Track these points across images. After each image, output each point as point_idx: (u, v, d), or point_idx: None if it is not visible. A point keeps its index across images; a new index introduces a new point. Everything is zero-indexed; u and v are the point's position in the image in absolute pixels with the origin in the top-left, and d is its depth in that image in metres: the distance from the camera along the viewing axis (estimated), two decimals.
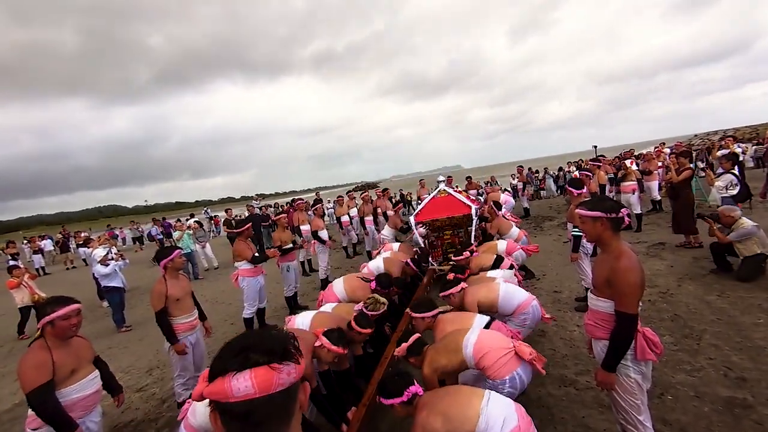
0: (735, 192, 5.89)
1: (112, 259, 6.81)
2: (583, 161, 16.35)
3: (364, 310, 3.17)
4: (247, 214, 13.44)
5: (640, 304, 1.98)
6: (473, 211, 5.90)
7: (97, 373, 2.50)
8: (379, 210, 9.67)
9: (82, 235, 19.32)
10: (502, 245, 5.05)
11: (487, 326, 2.83)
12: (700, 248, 6.06)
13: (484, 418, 1.88)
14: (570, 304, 4.81)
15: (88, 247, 9.43)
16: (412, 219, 6.25)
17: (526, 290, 3.56)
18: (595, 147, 18.09)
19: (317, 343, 2.56)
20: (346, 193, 14.18)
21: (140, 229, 20.92)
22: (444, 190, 6.23)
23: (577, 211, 2.18)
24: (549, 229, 9.75)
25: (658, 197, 9.50)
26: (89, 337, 3.34)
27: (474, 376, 2.67)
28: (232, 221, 13.14)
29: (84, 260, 16.46)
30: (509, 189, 15.53)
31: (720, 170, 6.47)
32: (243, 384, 0.72)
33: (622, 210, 2.02)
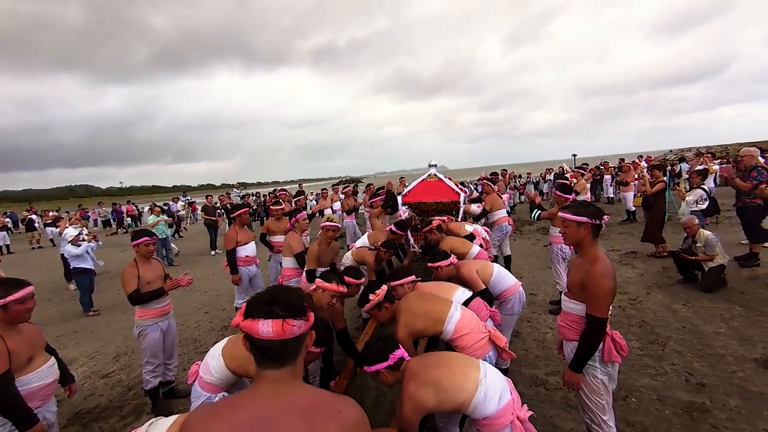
0: (704, 206, 6.14)
1: (84, 239, 6.56)
2: (563, 168, 16.83)
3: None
4: (220, 204, 13.04)
5: (610, 309, 2.05)
6: (461, 199, 5.84)
7: (53, 360, 2.36)
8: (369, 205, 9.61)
9: (51, 214, 18.55)
10: (470, 227, 5.09)
11: (466, 303, 2.82)
12: (669, 258, 6.29)
13: (482, 389, 1.84)
14: (545, 306, 4.92)
15: (57, 227, 9.06)
16: (399, 199, 6.13)
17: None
18: (574, 156, 18.57)
19: (312, 287, 2.63)
20: (332, 187, 14.07)
21: (110, 212, 20.15)
22: (434, 174, 6.11)
23: (560, 214, 2.20)
24: (528, 233, 9.95)
25: (632, 208, 9.84)
26: (54, 320, 3.21)
27: None
28: (221, 207, 12.84)
29: (51, 240, 15.81)
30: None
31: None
32: (266, 329, 1.00)
33: (604, 217, 2.08)
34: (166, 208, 13.74)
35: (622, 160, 14.56)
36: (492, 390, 1.85)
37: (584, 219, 2.06)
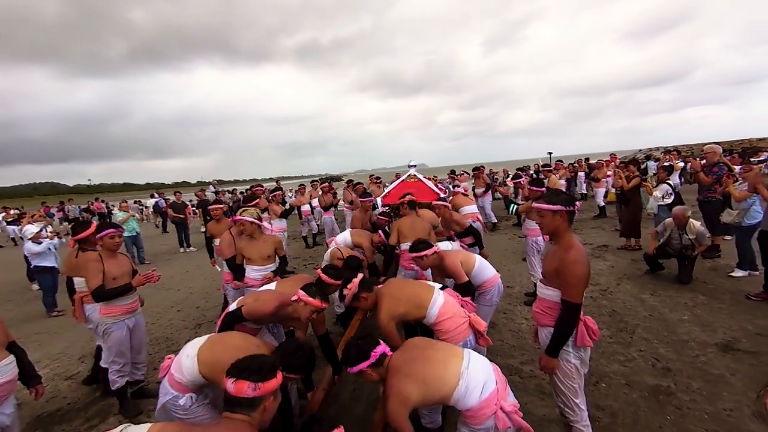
0: (670, 201, 6.40)
1: (46, 237, 6.23)
2: (539, 165, 17.32)
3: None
4: (196, 201, 12.72)
5: (583, 298, 2.09)
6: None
7: (12, 359, 2.22)
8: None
9: (12, 212, 17.59)
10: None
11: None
12: (639, 251, 6.53)
13: (464, 382, 1.82)
14: (520, 298, 5.02)
15: (19, 225, 8.59)
16: (379, 200, 6.18)
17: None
18: (550, 154, 19.02)
19: (294, 298, 2.47)
20: (311, 183, 13.89)
21: (77, 210, 19.27)
22: (414, 175, 6.18)
23: (535, 205, 2.22)
24: (504, 229, 10.13)
25: (602, 203, 10.19)
26: (15, 322, 3.03)
27: None
28: (201, 204, 12.42)
29: (13, 239, 15.01)
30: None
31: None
32: (230, 386, 1.47)
33: (576, 203, 2.13)
34: (152, 203, 13.28)
35: (587, 159, 15.57)
36: (474, 382, 1.84)
37: (559, 207, 2.09)
